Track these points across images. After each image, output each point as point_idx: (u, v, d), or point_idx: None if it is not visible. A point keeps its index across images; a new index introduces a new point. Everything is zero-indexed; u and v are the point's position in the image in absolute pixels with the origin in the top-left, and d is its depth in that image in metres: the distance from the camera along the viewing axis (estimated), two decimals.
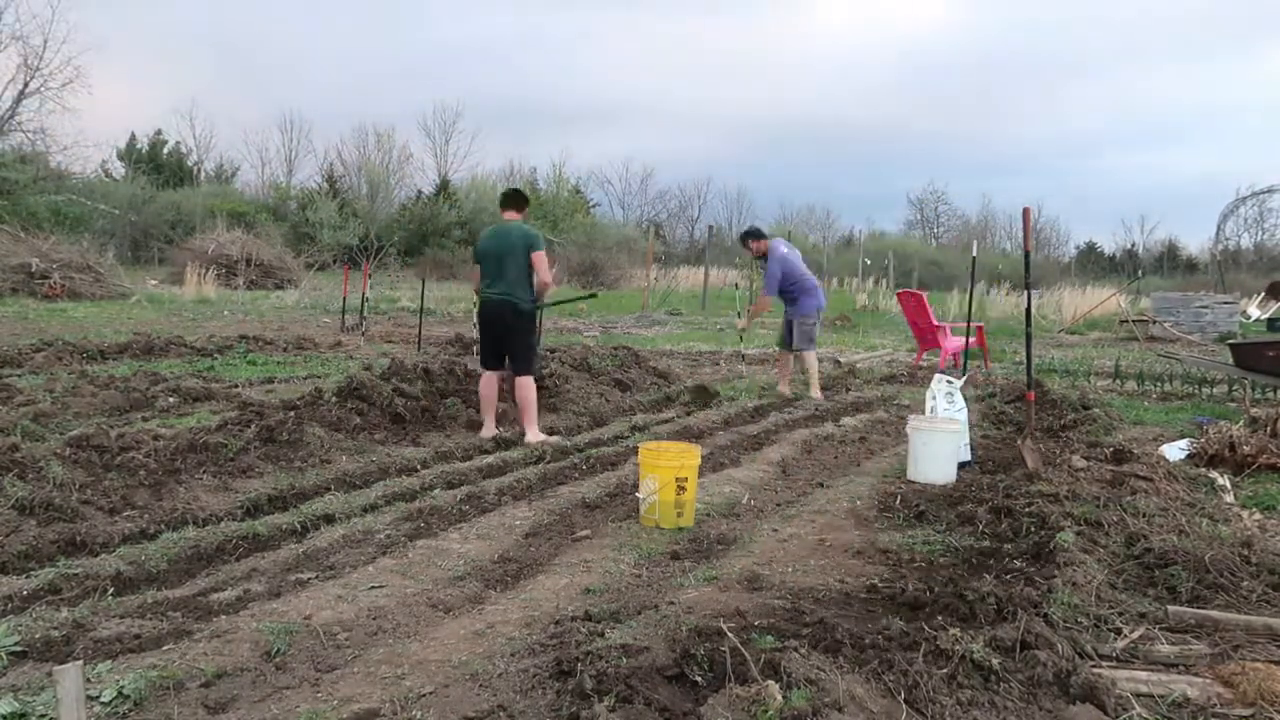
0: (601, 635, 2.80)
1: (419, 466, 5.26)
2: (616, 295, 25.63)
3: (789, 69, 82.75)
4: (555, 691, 2.45)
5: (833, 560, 3.80)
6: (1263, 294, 20.66)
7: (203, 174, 41.15)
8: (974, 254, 10.59)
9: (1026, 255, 5.92)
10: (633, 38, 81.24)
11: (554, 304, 6.41)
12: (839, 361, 11.19)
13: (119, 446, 4.50)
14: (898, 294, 13.03)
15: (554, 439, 6.10)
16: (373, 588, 3.35)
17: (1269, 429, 5.62)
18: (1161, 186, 75.18)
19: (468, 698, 2.48)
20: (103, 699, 2.38)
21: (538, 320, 6.43)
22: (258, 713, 2.43)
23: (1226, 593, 3.18)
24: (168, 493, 4.29)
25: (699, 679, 2.36)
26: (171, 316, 14.77)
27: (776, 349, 9.41)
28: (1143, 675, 2.61)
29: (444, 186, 40.77)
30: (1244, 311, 18.92)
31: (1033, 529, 3.81)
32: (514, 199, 6.39)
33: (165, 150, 39.53)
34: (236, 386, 7.78)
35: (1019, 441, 5.53)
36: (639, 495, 4.35)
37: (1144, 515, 3.87)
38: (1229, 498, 4.70)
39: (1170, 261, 47.27)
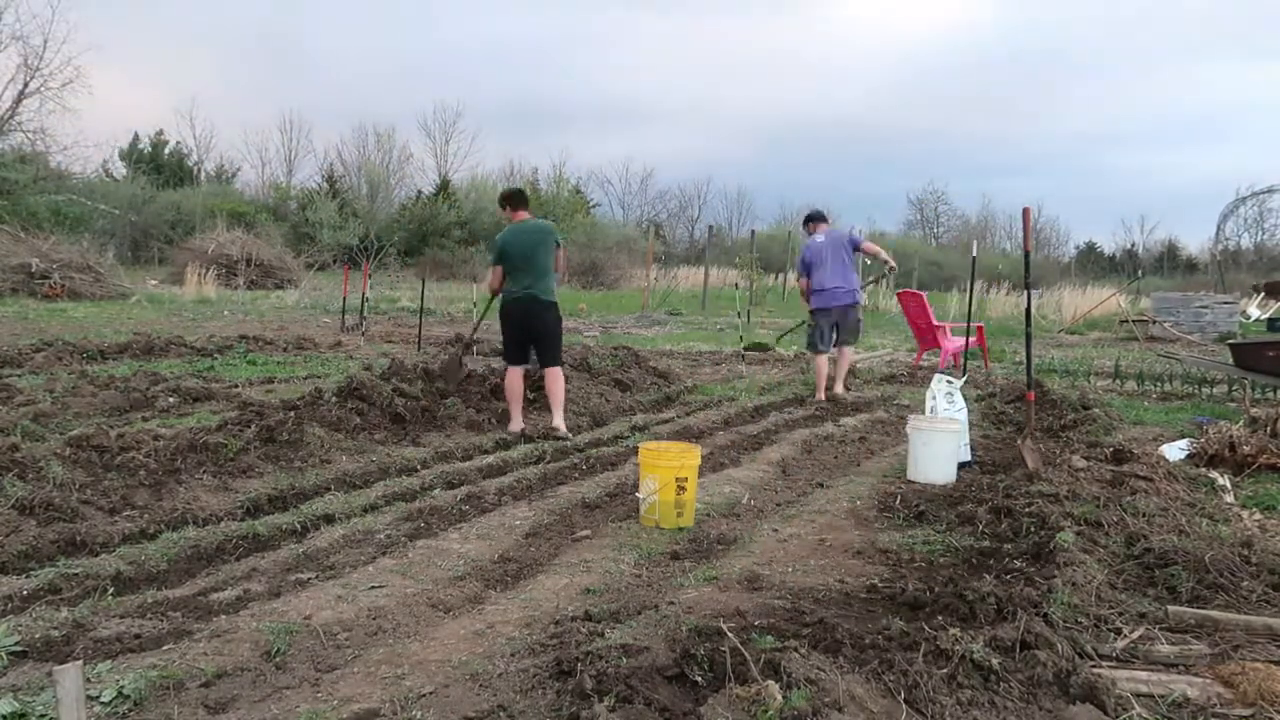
0: (601, 635, 2.80)
1: (419, 466, 5.26)
2: (616, 295, 25.65)
3: (789, 69, 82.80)
4: (555, 691, 2.45)
5: (833, 560, 3.80)
6: (1261, 294, 20.65)
7: (203, 174, 41.15)
8: (974, 254, 10.60)
9: (1026, 255, 5.92)
10: (633, 38, 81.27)
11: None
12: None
13: (119, 446, 4.49)
14: (898, 294, 13.03)
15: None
16: (373, 588, 3.35)
17: (1269, 429, 5.62)
18: (1162, 187, 75.26)
19: (468, 698, 2.48)
20: (103, 699, 2.38)
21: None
22: (258, 713, 2.43)
23: (1226, 593, 3.18)
24: (168, 493, 4.29)
25: (699, 679, 2.36)
26: (171, 316, 14.77)
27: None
28: (1143, 675, 2.61)
29: (444, 186, 40.77)
30: (1244, 311, 18.91)
31: (1033, 529, 3.81)
32: (523, 198, 6.57)
33: (166, 150, 39.55)
34: (236, 386, 7.78)
35: (1019, 441, 5.53)
36: (639, 495, 4.35)
37: (1144, 515, 3.87)
38: (1229, 498, 4.70)
39: (1170, 261, 47.28)
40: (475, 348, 10.63)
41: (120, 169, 37.21)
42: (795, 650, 2.35)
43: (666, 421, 7.00)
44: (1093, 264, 47.03)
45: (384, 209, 37.68)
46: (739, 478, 5.26)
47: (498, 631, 2.98)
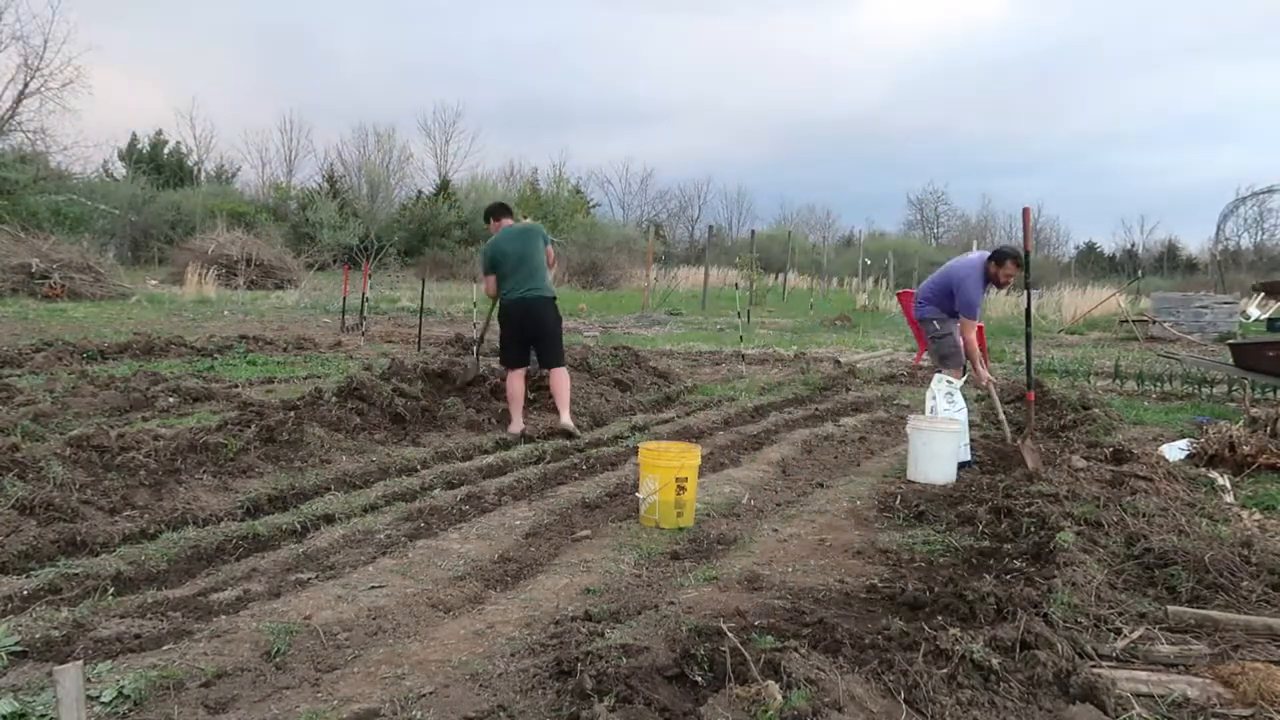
0: (601, 635, 2.81)
1: (419, 466, 5.26)
2: (616, 295, 25.64)
3: (790, 69, 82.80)
4: (555, 691, 2.45)
5: (833, 560, 3.80)
6: (1260, 294, 20.66)
7: (203, 174, 41.13)
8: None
9: (1026, 255, 5.92)
10: (633, 38, 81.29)
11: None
12: (839, 361, 11.18)
13: (119, 446, 4.49)
14: (898, 294, 13.04)
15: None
16: (373, 588, 3.35)
17: (1269, 429, 5.62)
18: (1162, 187, 75.25)
19: (468, 698, 2.48)
20: (103, 699, 2.38)
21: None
22: (258, 713, 2.43)
23: (1226, 593, 3.18)
24: (168, 493, 4.29)
25: (699, 679, 2.36)
26: (171, 316, 14.76)
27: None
28: (1143, 675, 2.61)
29: (444, 186, 40.76)
30: (1244, 311, 18.92)
31: (1033, 529, 3.81)
32: (503, 209, 6.85)
33: (166, 150, 39.54)
34: (236, 386, 7.78)
35: (1019, 441, 5.53)
36: (639, 495, 4.35)
37: (1144, 515, 3.87)
38: (1229, 498, 4.70)
39: (1170, 261, 47.28)
40: (476, 348, 10.63)
41: (120, 169, 37.21)
42: (795, 650, 2.35)
43: (666, 421, 7.00)
44: (1093, 264, 47.04)
45: (384, 209, 37.66)
46: (739, 478, 5.26)
47: (498, 631, 2.98)
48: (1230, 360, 8.26)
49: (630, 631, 2.86)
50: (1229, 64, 79.57)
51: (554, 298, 6.40)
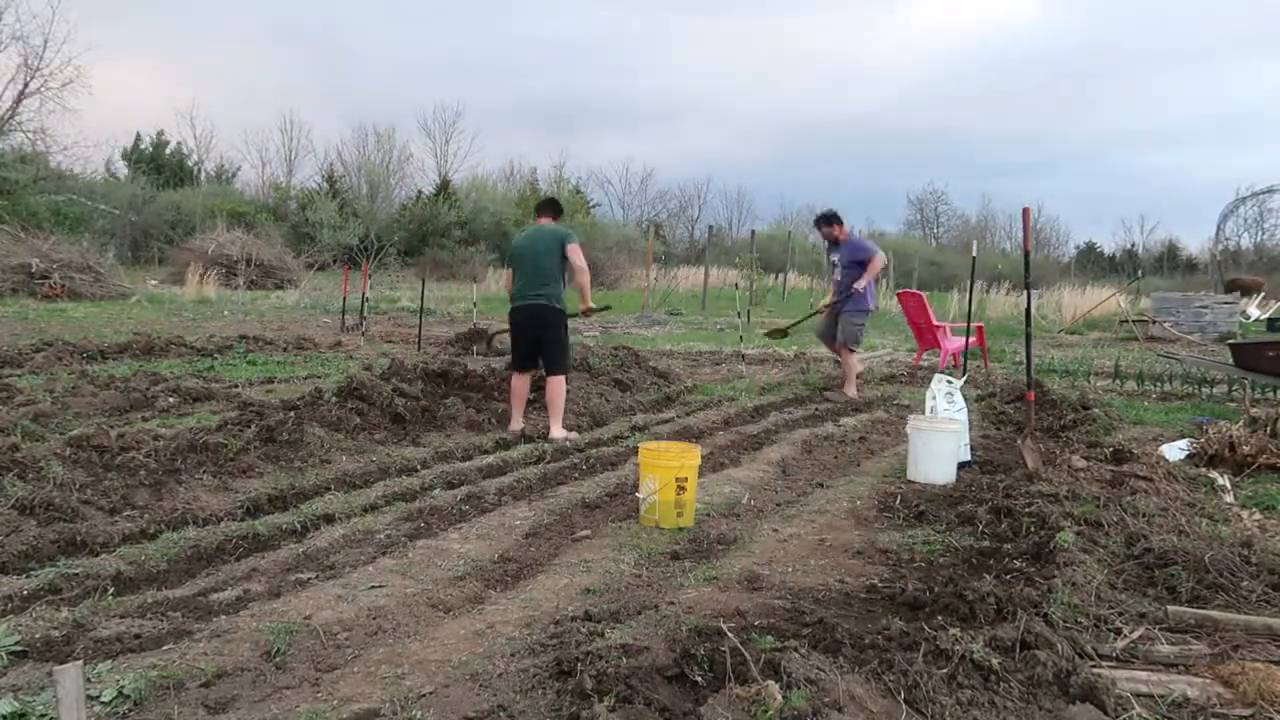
0: (601, 635, 2.81)
1: (419, 466, 5.26)
2: (617, 295, 25.63)
3: (790, 69, 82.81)
4: (555, 691, 2.45)
5: (833, 560, 3.80)
6: (1237, 293, 20.69)
7: (203, 174, 41.12)
8: (974, 254, 10.59)
9: (1026, 255, 5.92)
10: (633, 38, 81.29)
11: (592, 311, 6.61)
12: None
13: (119, 446, 4.50)
14: (898, 294, 13.03)
15: (574, 435, 6.24)
16: (373, 588, 3.35)
17: (1269, 429, 5.62)
18: (1161, 187, 75.24)
19: (468, 698, 2.48)
20: (103, 699, 2.38)
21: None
22: (258, 713, 2.43)
23: (1226, 593, 3.18)
24: (168, 493, 4.29)
25: (699, 679, 2.36)
26: (171, 316, 14.77)
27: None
28: (1143, 675, 2.61)
29: (444, 186, 40.75)
30: (1244, 311, 18.92)
31: (1033, 529, 3.81)
32: (549, 205, 6.62)
33: (167, 151, 39.54)
34: (236, 386, 7.78)
35: (1019, 441, 5.52)
36: (639, 495, 4.35)
37: (1144, 515, 3.87)
38: (1229, 498, 4.69)
39: (1170, 261, 47.27)
40: (476, 348, 10.63)
41: (123, 169, 37.21)
42: (795, 650, 2.35)
43: (666, 421, 7.00)
44: (1093, 264, 47.02)
45: (384, 209, 37.64)
46: (739, 478, 5.26)
47: (498, 631, 2.98)
48: (1230, 360, 8.26)
49: (630, 631, 2.86)
50: (1232, 65, 79.59)
51: (556, 305, 6.19)
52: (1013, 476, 4.95)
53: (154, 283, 21.36)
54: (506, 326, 6.83)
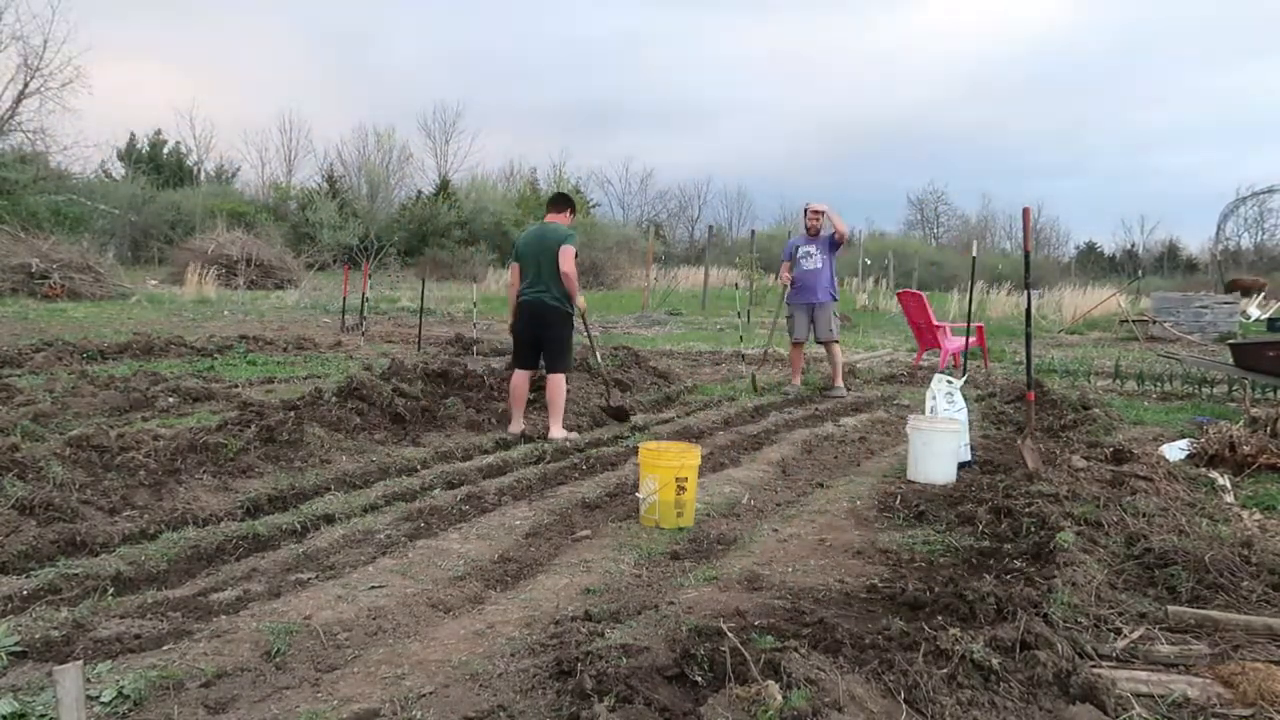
0: (601, 635, 2.80)
1: (419, 466, 5.26)
2: (617, 295, 25.64)
3: (790, 69, 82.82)
4: (555, 691, 2.45)
5: (833, 560, 3.80)
6: (1237, 292, 20.70)
7: (203, 174, 41.14)
8: (974, 254, 10.59)
9: (1026, 255, 5.92)
10: (632, 37, 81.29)
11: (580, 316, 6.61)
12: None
13: (119, 446, 4.49)
14: (898, 294, 13.03)
15: (574, 435, 6.22)
16: (373, 588, 3.35)
17: (1269, 429, 5.62)
18: (1162, 187, 75.22)
19: (468, 698, 2.48)
20: (103, 699, 2.38)
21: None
22: (258, 713, 2.43)
23: (1226, 593, 3.18)
24: (168, 493, 4.29)
25: (699, 679, 2.36)
26: (171, 316, 14.76)
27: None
28: (1143, 675, 2.61)
29: (444, 186, 40.76)
30: (1244, 311, 18.92)
31: (1033, 529, 3.81)
32: (556, 201, 6.63)
33: (165, 150, 39.53)
34: (236, 386, 7.78)
35: (1019, 441, 5.52)
36: (639, 495, 4.35)
37: (1144, 515, 3.87)
38: (1229, 498, 4.69)
39: (1170, 261, 47.26)
40: (475, 348, 10.62)
41: (119, 169, 37.20)
42: (795, 650, 2.35)
43: (666, 421, 7.00)
44: (1093, 264, 47.01)
45: (384, 209, 37.65)
46: (739, 478, 5.26)
47: (498, 631, 2.98)
48: (1230, 360, 8.26)
49: (630, 631, 2.86)
50: (1233, 65, 79.55)
51: (557, 306, 6.17)
52: (1013, 476, 4.95)
53: (154, 283, 21.36)
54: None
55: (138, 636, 2.81)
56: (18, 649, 2.70)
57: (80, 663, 1.89)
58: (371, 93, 69.85)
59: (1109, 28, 79.85)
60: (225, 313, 15.80)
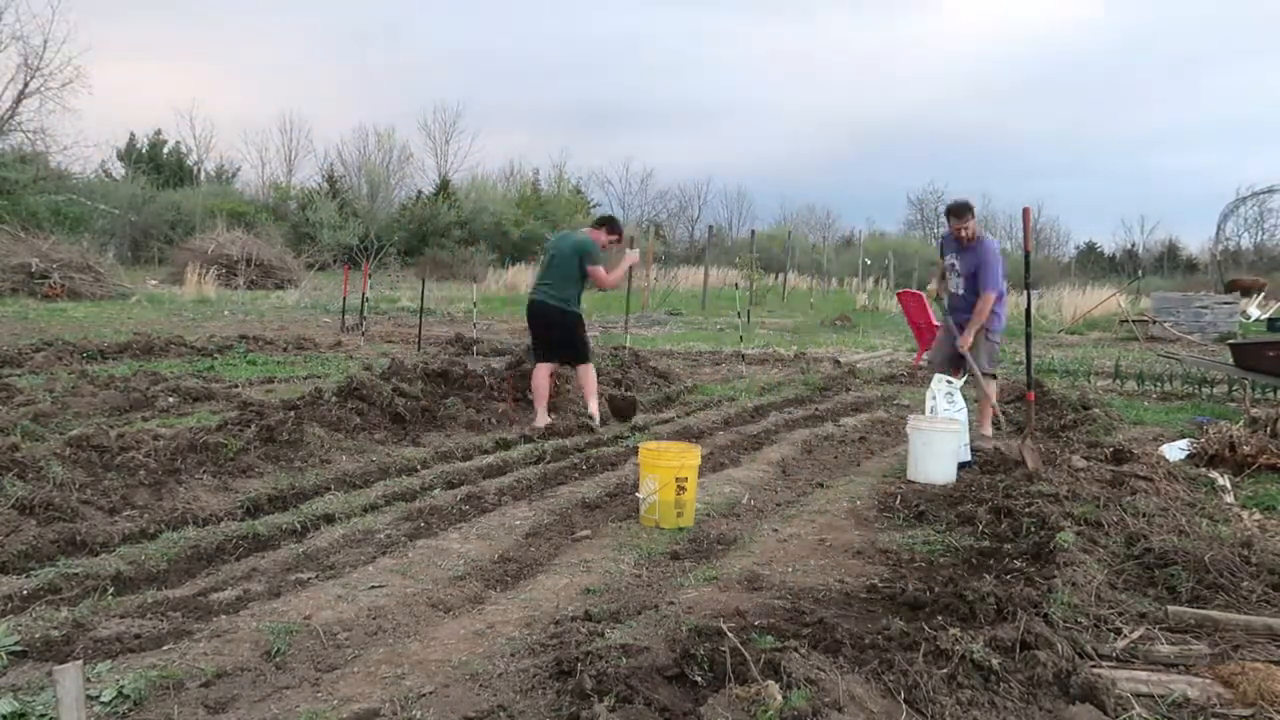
0: (601, 635, 2.81)
1: (419, 466, 5.26)
2: (617, 295, 25.63)
3: (790, 69, 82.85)
4: (555, 691, 2.45)
5: (833, 560, 3.80)
6: (1237, 292, 20.70)
7: (203, 174, 41.10)
8: None
9: (1026, 255, 5.92)
10: (632, 37, 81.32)
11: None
12: (839, 361, 11.18)
13: (119, 446, 4.49)
14: (898, 294, 13.03)
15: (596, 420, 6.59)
16: (373, 588, 3.35)
17: (1269, 429, 5.62)
18: (1162, 187, 75.24)
19: (468, 698, 2.48)
20: (103, 699, 2.38)
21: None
22: (258, 713, 2.43)
23: (1226, 593, 3.18)
24: (168, 493, 4.29)
25: (699, 679, 2.36)
26: (171, 316, 14.76)
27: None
28: (1143, 675, 2.61)
29: (444, 186, 40.74)
30: (1244, 311, 18.92)
31: (1033, 529, 3.81)
32: (600, 221, 6.98)
33: (165, 150, 39.50)
34: (236, 386, 7.78)
35: (1019, 441, 5.52)
36: (639, 495, 4.35)
37: (1144, 515, 3.87)
38: (1229, 498, 4.69)
39: (1170, 261, 47.25)
40: (475, 347, 10.61)
41: (118, 169, 37.19)
42: (795, 650, 2.35)
43: (666, 421, 7.00)
44: (1093, 264, 46.98)
45: (384, 209, 37.65)
46: (739, 478, 5.26)
47: (498, 631, 2.98)
48: (1230, 360, 8.27)
49: (630, 631, 2.86)
50: (1233, 66, 79.58)
51: (560, 305, 6.44)
52: (1013, 476, 4.94)
53: (154, 282, 21.36)
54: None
55: (138, 636, 2.81)
56: (18, 648, 2.70)
57: (80, 662, 1.89)
58: (372, 92, 69.85)
59: (1109, 28, 79.87)
60: (225, 313, 15.80)
